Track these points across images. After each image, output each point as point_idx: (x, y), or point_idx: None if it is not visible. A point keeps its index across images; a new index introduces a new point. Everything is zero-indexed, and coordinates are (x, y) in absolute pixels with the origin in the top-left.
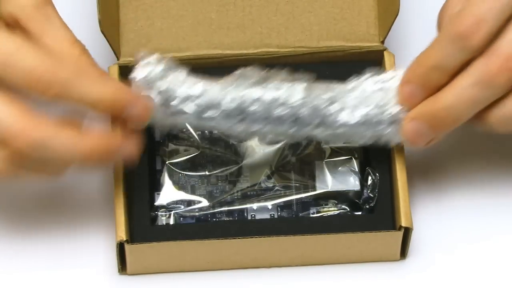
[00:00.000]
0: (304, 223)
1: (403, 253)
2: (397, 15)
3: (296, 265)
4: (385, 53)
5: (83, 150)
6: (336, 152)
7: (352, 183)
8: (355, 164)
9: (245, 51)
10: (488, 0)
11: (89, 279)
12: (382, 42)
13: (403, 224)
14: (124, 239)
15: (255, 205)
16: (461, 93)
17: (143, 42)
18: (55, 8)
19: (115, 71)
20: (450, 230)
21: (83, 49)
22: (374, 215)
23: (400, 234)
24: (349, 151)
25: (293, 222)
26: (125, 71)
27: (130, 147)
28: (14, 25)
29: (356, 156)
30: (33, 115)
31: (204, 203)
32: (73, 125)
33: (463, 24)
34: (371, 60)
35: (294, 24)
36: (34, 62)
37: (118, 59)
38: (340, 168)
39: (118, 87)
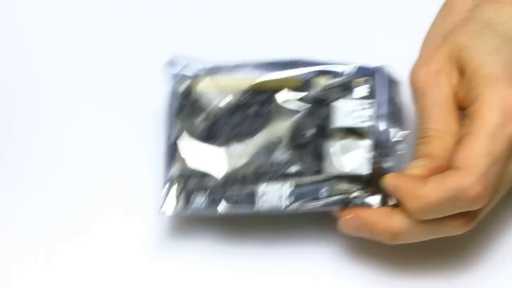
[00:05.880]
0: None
1: None
2: None
3: None
4: None
5: None
6: (349, 133)
7: (365, 165)
8: (368, 146)
9: None
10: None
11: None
12: None
13: None
14: None
15: (266, 186)
16: None
17: None
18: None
19: None
20: None
21: None
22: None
23: None
24: (363, 133)
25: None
26: None
27: None
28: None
29: (370, 137)
30: None
31: (217, 176)
32: None
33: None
34: None
35: None
36: None
37: None
38: (354, 150)
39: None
